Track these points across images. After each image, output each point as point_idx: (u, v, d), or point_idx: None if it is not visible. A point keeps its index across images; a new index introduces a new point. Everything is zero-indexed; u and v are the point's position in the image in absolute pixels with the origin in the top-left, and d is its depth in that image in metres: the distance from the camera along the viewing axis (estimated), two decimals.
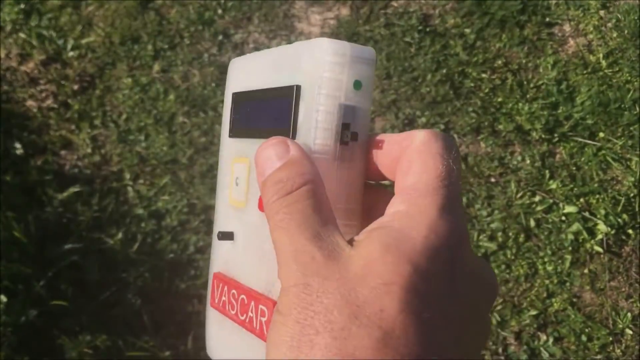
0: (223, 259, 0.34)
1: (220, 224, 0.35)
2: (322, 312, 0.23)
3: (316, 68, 0.28)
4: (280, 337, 0.23)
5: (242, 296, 0.30)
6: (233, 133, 0.34)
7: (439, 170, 0.26)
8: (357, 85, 0.28)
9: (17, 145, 1.45)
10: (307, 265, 0.24)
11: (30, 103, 1.55)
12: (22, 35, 1.63)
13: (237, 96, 0.34)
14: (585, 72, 1.51)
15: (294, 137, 0.28)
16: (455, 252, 0.25)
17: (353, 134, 0.28)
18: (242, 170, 0.33)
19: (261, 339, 0.28)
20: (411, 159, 0.27)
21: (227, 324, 0.32)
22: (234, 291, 0.31)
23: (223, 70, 1.56)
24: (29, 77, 1.59)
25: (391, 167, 0.28)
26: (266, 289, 0.29)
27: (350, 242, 0.25)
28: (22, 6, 1.66)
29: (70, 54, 1.60)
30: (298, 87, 0.28)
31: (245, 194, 0.32)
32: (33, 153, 1.46)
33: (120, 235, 1.34)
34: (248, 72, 0.34)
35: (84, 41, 1.62)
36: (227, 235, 0.33)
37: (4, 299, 1.20)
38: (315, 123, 0.28)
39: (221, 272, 0.33)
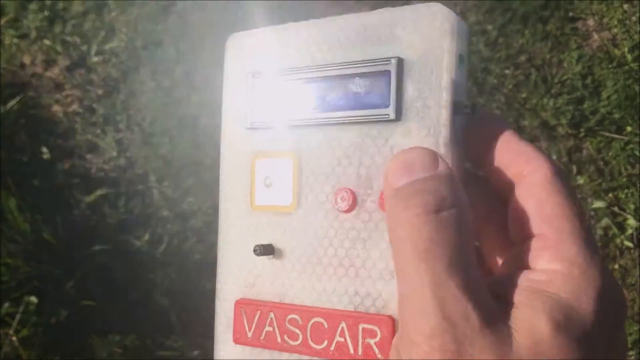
0: (249, 279, 0.27)
1: (241, 236, 0.28)
2: None
3: (428, 37, 0.24)
4: None
5: (317, 320, 0.25)
6: (254, 123, 0.28)
7: (581, 217, 0.22)
8: (461, 60, 0.24)
9: (44, 149, 1.47)
10: (459, 327, 0.19)
11: (56, 108, 1.57)
12: (46, 41, 1.65)
13: (261, 76, 0.28)
14: (610, 66, 1.49)
15: (398, 119, 0.24)
16: (620, 314, 0.22)
17: (467, 113, 0.24)
18: (281, 167, 0.27)
19: None
20: (542, 199, 0.22)
21: None
22: (293, 316, 0.26)
23: None
24: (54, 82, 1.61)
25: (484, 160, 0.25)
26: (352, 305, 0.25)
27: (496, 299, 0.21)
28: (46, 13, 1.68)
29: (95, 59, 1.62)
30: (400, 60, 0.24)
31: (295, 196, 0.27)
32: (60, 157, 1.48)
33: (147, 236, 1.35)
34: (275, 49, 0.28)
35: (107, 46, 1.63)
36: (267, 250, 0.27)
37: (34, 299, 1.21)
38: (438, 101, 0.23)
39: (247, 298, 0.27)
